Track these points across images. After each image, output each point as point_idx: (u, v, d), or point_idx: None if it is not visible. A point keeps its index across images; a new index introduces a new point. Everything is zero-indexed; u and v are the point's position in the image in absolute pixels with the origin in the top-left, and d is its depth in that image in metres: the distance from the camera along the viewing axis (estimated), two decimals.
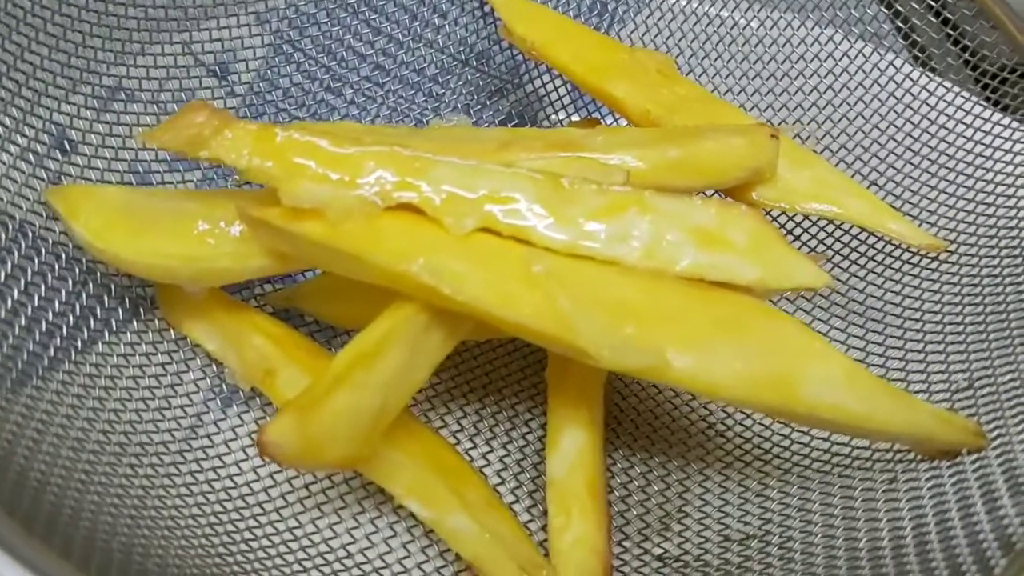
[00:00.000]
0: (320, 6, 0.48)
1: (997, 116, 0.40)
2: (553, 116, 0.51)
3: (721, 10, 0.47)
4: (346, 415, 0.32)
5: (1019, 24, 0.39)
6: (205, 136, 0.34)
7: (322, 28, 0.48)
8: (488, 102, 0.51)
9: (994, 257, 0.38)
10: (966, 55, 0.41)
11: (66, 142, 0.39)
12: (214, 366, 0.40)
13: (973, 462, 0.33)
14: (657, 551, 0.37)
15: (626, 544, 0.38)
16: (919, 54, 0.44)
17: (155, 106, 0.42)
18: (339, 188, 0.33)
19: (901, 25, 0.44)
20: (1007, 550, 0.28)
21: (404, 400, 0.34)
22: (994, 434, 0.33)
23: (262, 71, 0.46)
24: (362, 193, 0.33)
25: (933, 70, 0.42)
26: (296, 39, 0.47)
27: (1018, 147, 0.39)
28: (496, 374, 0.42)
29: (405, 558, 0.37)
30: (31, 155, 0.38)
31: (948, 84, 0.42)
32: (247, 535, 0.35)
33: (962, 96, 0.41)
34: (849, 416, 0.32)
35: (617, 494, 0.39)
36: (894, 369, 0.39)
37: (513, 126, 0.50)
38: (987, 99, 0.40)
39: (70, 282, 0.37)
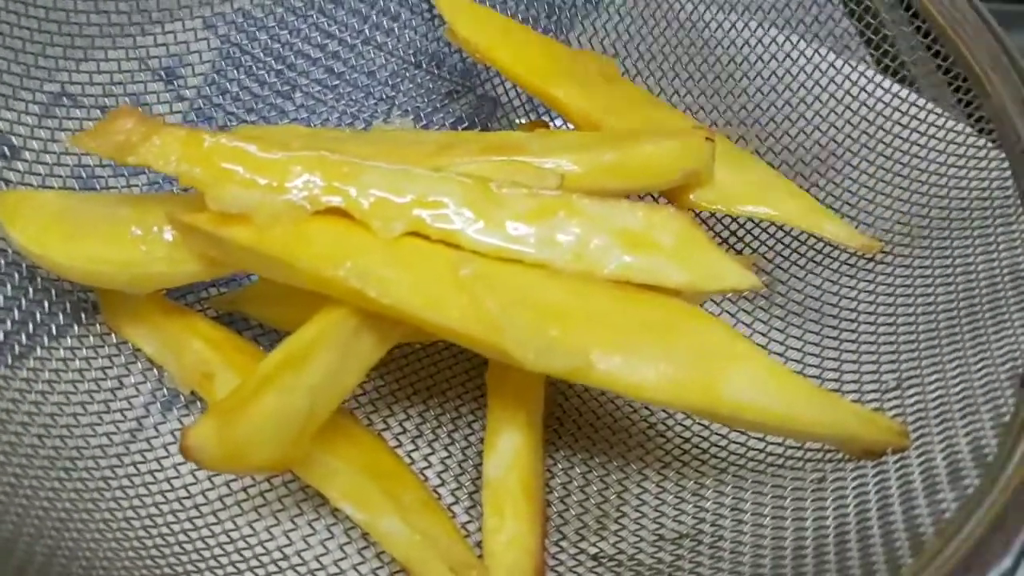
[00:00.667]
0: (269, 11, 0.48)
1: (933, 117, 0.40)
2: (504, 119, 0.51)
3: (667, 12, 0.48)
4: (272, 418, 0.32)
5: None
6: (133, 142, 0.34)
7: (271, 32, 0.49)
8: (440, 105, 0.51)
9: (927, 258, 0.39)
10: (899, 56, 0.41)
11: (6, 147, 0.40)
12: (155, 371, 0.40)
13: (896, 462, 0.33)
14: (593, 550, 0.37)
15: (563, 544, 0.38)
16: (872, 54, 0.44)
17: (99, 111, 0.42)
18: (266, 193, 0.34)
19: (851, 26, 0.45)
20: (916, 550, 0.28)
21: (334, 404, 0.34)
22: (917, 434, 0.33)
23: (210, 76, 0.47)
24: (290, 198, 0.34)
25: (890, 71, 0.42)
26: (245, 43, 0.48)
27: (951, 147, 0.39)
28: (440, 376, 0.43)
29: (341, 559, 0.37)
30: None
31: (887, 84, 0.42)
32: (181, 537, 0.36)
33: (899, 97, 0.41)
34: (772, 417, 0.33)
35: (556, 494, 0.39)
36: (829, 369, 0.39)
37: (464, 129, 0.51)
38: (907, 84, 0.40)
39: (9, 287, 0.38)
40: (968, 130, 0.39)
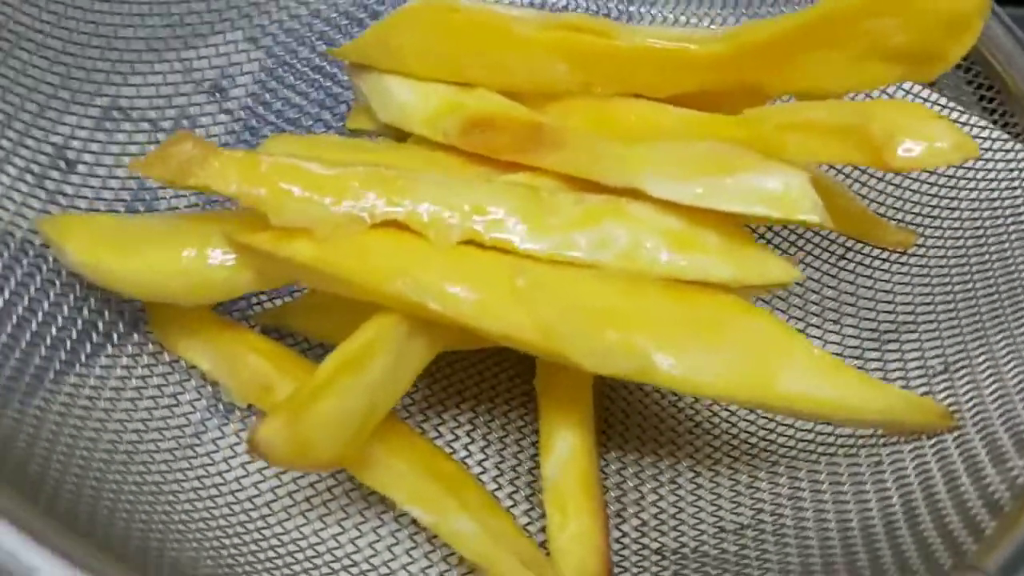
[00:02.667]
0: (308, 24, 0.49)
1: (956, 113, 0.42)
2: None
3: None
4: (335, 417, 0.33)
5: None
6: (192, 166, 0.35)
7: (312, 45, 0.49)
8: None
9: (960, 248, 0.40)
10: None
11: (62, 161, 0.40)
12: (208, 386, 0.40)
13: (956, 439, 0.34)
14: (655, 545, 0.38)
15: (624, 541, 0.38)
16: None
17: (147, 124, 0.43)
18: (326, 207, 0.34)
19: None
20: (995, 515, 0.29)
21: (389, 404, 0.35)
22: (974, 412, 0.34)
23: (252, 88, 0.47)
24: (349, 210, 0.35)
25: None
26: (287, 56, 0.48)
27: (977, 141, 0.41)
28: (486, 384, 0.43)
29: (409, 564, 0.37)
30: (28, 175, 0.39)
31: (907, 85, 0.43)
32: (253, 547, 0.36)
33: (927, 91, 0.43)
34: (824, 405, 0.34)
35: (612, 495, 0.40)
36: (872, 360, 0.40)
37: None
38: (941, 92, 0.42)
39: (72, 297, 0.38)
40: (992, 126, 0.40)
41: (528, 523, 0.39)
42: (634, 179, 0.35)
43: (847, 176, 0.45)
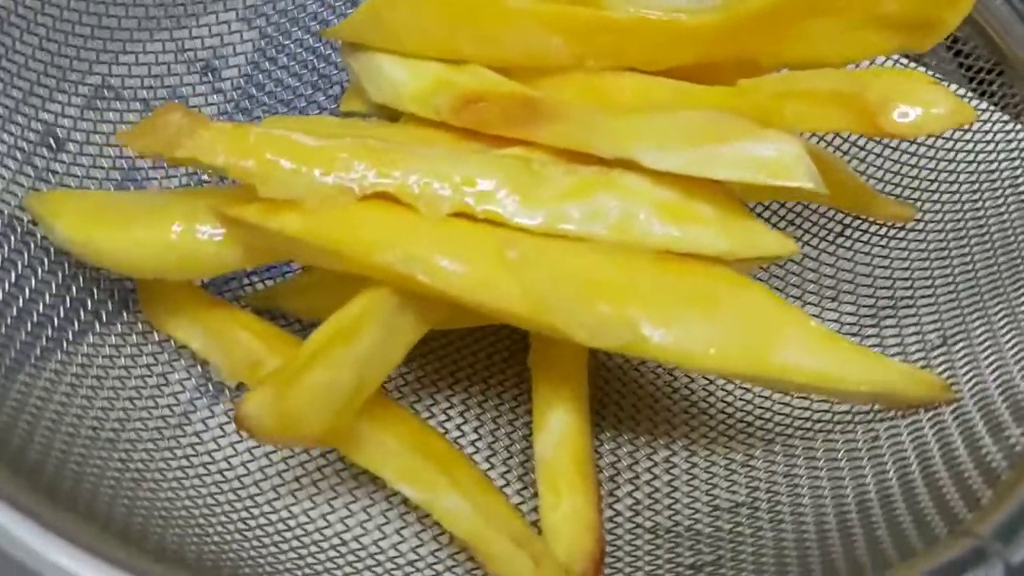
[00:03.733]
0: (302, 5, 0.49)
1: (954, 86, 0.41)
2: None
3: None
4: (323, 390, 0.32)
5: None
6: (180, 137, 0.35)
7: (305, 25, 0.49)
8: None
9: (959, 220, 0.40)
10: None
11: (52, 139, 0.40)
12: (198, 366, 0.40)
13: (953, 411, 0.33)
14: (648, 524, 0.37)
15: (618, 520, 0.38)
16: None
17: (139, 103, 0.43)
18: (315, 178, 0.34)
19: None
20: (992, 483, 0.29)
21: (379, 379, 0.35)
22: (971, 383, 0.34)
23: (245, 68, 0.47)
24: (338, 181, 0.34)
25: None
26: (279, 37, 0.48)
27: (976, 112, 0.40)
28: (479, 363, 0.43)
29: (400, 543, 0.37)
30: (18, 152, 0.38)
31: (904, 61, 0.43)
32: (240, 525, 0.35)
33: (923, 66, 0.42)
34: (819, 378, 0.33)
35: (606, 474, 0.39)
36: (869, 336, 0.40)
37: None
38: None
39: (60, 275, 0.38)
40: (989, 100, 0.40)
41: (521, 502, 0.39)
42: (627, 150, 0.35)
43: (844, 153, 0.44)
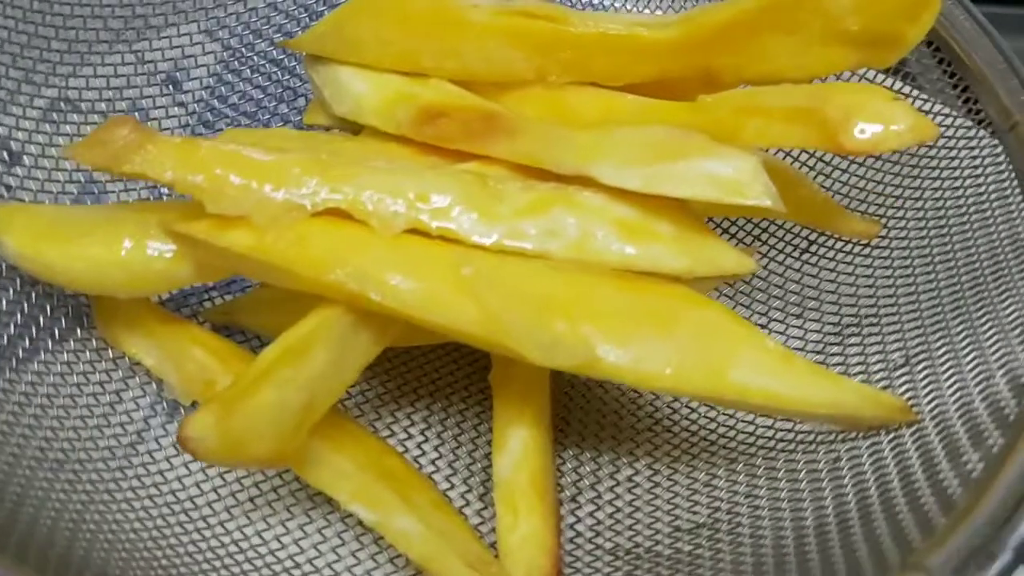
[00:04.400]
0: (266, 17, 0.48)
1: (919, 102, 0.41)
2: None
3: None
4: (271, 411, 0.32)
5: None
6: (128, 152, 0.34)
7: (273, 39, 0.49)
8: None
9: (924, 237, 0.39)
10: None
11: (6, 152, 0.39)
12: (153, 384, 0.39)
13: (913, 434, 0.33)
14: (608, 545, 0.37)
15: (578, 541, 0.37)
16: None
17: (97, 116, 0.43)
18: (265, 194, 0.33)
19: None
20: (947, 510, 0.28)
21: (331, 400, 0.34)
22: (932, 405, 0.33)
23: (207, 81, 0.47)
24: (289, 197, 0.34)
25: None
26: (243, 49, 0.48)
27: (941, 128, 0.40)
28: (442, 380, 0.42)
29: (354, 565, 0.36)
30: None
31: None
32: (191, 548, 0.35)
33: (890, 79, 0.42)
34: (778, 399, 0.33)
35: (568, 493, 0.39)
36: (833, 354, 0.39)
37: None
38: (905, 76, 0.41)
39: (11, 291, 0.37)
40: (955, 112, 0.39)
41: (480, 523, 0.38)
42: (585, 166, 0.34)
43: (811, 168, 0.44)
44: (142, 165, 0.34)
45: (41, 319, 0.38)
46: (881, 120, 0.32)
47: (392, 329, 0.35)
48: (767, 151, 0.39)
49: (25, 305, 0.38)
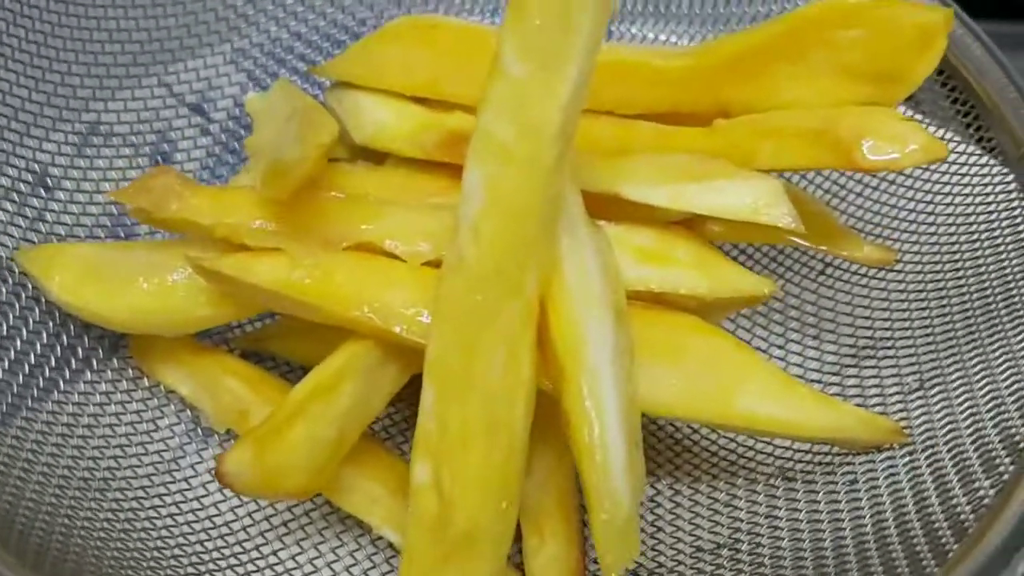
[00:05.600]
0: (288, 46, 0.49)
1: (932, 129, 0.41)
2: None
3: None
4: (303, 446, 0.33)
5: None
6: (168, 198, 0.36)
7: (296, 67, 0.49)
8: None
9: (937, 264, 0.40)
10: None
11: (48, 179, 0.41)
12: (188, 411, 0.40)
13: (928, 458, 0.34)
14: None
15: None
16: None
17: (128, 148, 0.44)
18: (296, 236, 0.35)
19: None
20: (959, 536, 0.29)
21: (360, 429, 0.35)
22: (945, 430, 0.34)
23: (234, 110, 0.48)
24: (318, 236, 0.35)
25: None
26: (269, 80, 0.49)
27: (953, 156, 0.41)
28: None
29: None
30: (15, 195, 0.40)
31: None
32: (229, 573, 0.36)
33: (900, 108, 0.43)
34: (783, 425, 0.35)
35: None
36: (849, 376, 0.40)
37: None
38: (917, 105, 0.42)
39: (51, 323, 0.39)
40: (966, 140, 0.40)
41: None
42: (611, 185, 0.35)
43: (825, 192, 0.45)
44: (182, 210, 0.35)
45: (79, 349, 0.39)
46: (893, 140, 0.33)
47: (418, 359, 0.36)
48: (782, 176, 0.40)
49: (64, 336, 0.39)
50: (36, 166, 0.41)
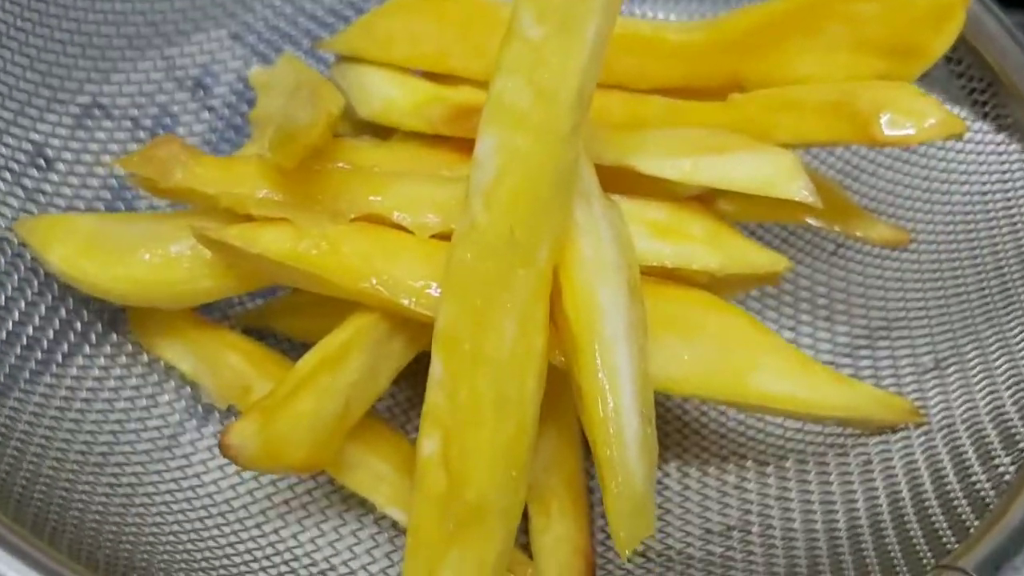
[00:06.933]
0: (293, 21, 0.48)
1: (948, 106, 0.41)
2: None
3: None
4: (308, 418, 0.32)
5: None
6: (174, 166, 0.35)
7: (300, 43, 0.49)
8: None
9: (952, 243, 0.39)
10: None
11: (42, 159, 0.40)
12: (187, 387, 0.40)
13: (945, 437, 0.33)
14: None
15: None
16: None
17: (129, 123, 0.43)
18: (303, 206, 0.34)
19: None
20: (980, 513, 0.28)
21: (366, 405, 0.35)
22: (963, 408, 0.34)
23: (237, 85, 0.47)
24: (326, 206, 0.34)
25: None
26: (273, 55, 0.48)
27: (968, 134, 0.40)
28: None
29: (388, 567, 0.36)
30: (7, 172, 0.39)
31: None
32: (229, 550, 0.35)
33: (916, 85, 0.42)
34: (798, 403, 0.34)
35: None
36: (863, 357, 0.40)
37: None
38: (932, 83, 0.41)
39: (49, 296, 0.38)
40: (983, 119, 0.40)
41: None
42: (625, 158, 0.35)
43: (838, 171, 0.44)
44: (187, 179, 0.35)
45: (78, 323, 0.39)
46: (911, 114, 0.33)
47: (425, 334, 0.36)
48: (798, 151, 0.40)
49: (63, 309, 0.38)
50: (30, 143, 0.40)
